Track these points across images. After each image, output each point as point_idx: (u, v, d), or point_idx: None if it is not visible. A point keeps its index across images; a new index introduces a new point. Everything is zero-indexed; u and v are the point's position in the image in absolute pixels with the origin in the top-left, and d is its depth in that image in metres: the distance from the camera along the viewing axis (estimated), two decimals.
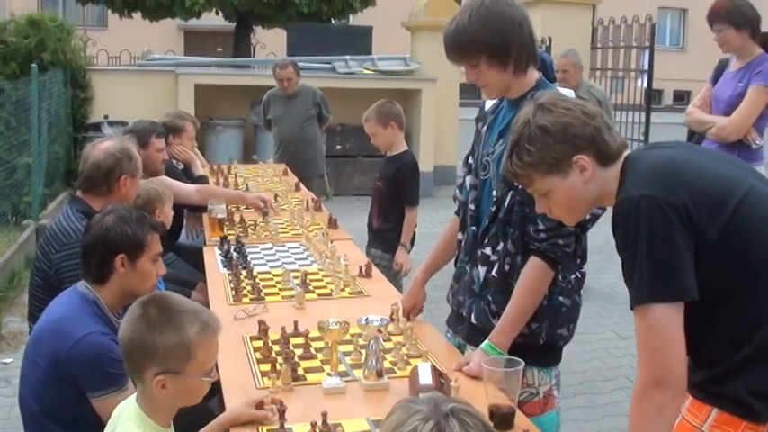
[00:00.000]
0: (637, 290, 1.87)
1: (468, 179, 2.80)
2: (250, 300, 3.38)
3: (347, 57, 11.58)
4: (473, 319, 2.68)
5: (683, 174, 1.89)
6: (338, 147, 11.16)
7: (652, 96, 9.79)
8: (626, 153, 2.04)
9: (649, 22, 9.58)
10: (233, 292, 3.45)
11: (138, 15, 13.80)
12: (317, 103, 7.53)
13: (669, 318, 1.84)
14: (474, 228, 2.71)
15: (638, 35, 10.04)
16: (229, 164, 6.99)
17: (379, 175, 4.91)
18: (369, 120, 4.75)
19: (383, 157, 4.96)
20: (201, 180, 5.28)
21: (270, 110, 7.56)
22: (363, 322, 2.57)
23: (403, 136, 4.83)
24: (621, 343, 5.79)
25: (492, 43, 2.50)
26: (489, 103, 2.82)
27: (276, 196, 5.47)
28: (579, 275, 2.62)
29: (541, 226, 2.46)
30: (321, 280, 3.68)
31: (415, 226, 4.90)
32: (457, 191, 2.95)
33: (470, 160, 2.82)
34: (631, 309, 1.90)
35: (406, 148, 4.86)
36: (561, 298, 2.58)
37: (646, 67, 9.85)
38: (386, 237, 4.86)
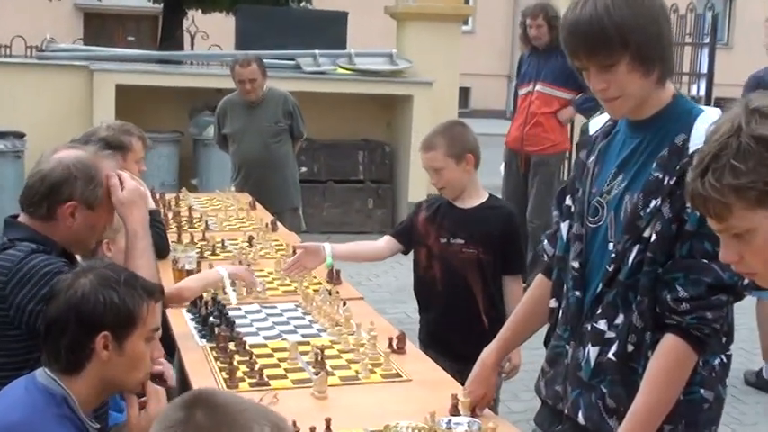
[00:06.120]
0: None
1: (565, 227, 2.77)
2: (250, 385, 3.30)
3: (316, 51, 11.53)
4: (581, 418, 2.64)
5: None
6: (303, 168, 11.02)
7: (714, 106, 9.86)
8: None
9: (710, 11, 9.69)
10: (226, 376, 3.36)
11: None
12: (288, 112, 7.51)
13: None
14: (579, 293, 2.67)
15: (693, 29, 10.15)
16: (178, 193, 6.94)
17: (465, 239, 4.24)
18: (434, 148, 4.23)
19: (439, 201, 4.34)
20: (153, 215, 5.15)
21: (227, 122, 7.55)
22: (444, 426, 2.47)
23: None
24: None
25: (643, 36, 2.45)
26: (596, 124, 2.80)
27: (251, 239, 5.37)
28: (724, 359, 2.60)
29: (683, 293, 2.42)
30: (339, 356, 3.62)
31: None
32: (545, 242, 2.92)
33: (568, 201, 2.78)
34: None
35: (488, 193, 4.41)
36: (702, 390, 2.55)
37: (704, 69, 9.93)
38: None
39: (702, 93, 9.95)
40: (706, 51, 9.93)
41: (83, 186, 3.10)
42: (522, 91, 8.16)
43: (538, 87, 7.92)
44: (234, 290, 4.20)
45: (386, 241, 4.51)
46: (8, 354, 2.92)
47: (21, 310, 2.87)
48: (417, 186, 10.93)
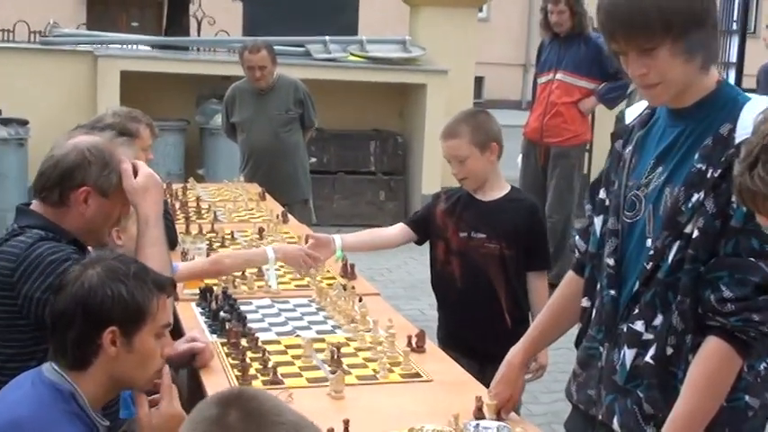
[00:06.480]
0: None
1: (599, 222, 2.69)
2: (263, 383, 3.24)
3: (326, 37, 11.47)
4: (615, 425, 2.57)
5: None
6: (313, 159, 10.95)
7: None
8: None
9: None
10: (238, 373, 3.30)
11: None
12: (299, 100, 7.48)
13: None
14: (614, 292, 2.59)
15: (721, 15, 10.06)
16: (185, 182, 6.92)
17: (488, 234, 4.11)
18: (458, 135, 4.10)
19: (452, 193, 4.26)
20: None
21: (235, 110, 7.53)
22: (472, 430, 2.41)
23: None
24: None
25: (688, 18, 2.37)
26: (632, 113, 2.71)
27: (261, 230, 5.31)
28: None
29: (728, 293, 2.33)
30: (355, 355, 3.56)
31: None
32: (577, 237, 2.85)
33: (602, 194, 2.71)
34: None
35: (509, 185, 4.30)
36: (747, 397, 2.47)
37: (733, 58, 9.86)
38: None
39: (733, 81, 9.88)
40: (734, 39, 9.84)
41: (97, 172, 3.05)
42: (542, 80, 8.05)
43: (558, 76, 7.81)
44: (276, 277, 4.31)
45: (399, 228, 4.42)
46: (17, 345, 2.89)
47: (28, 299, 2.84)
48: (431, 178, 10.88)
